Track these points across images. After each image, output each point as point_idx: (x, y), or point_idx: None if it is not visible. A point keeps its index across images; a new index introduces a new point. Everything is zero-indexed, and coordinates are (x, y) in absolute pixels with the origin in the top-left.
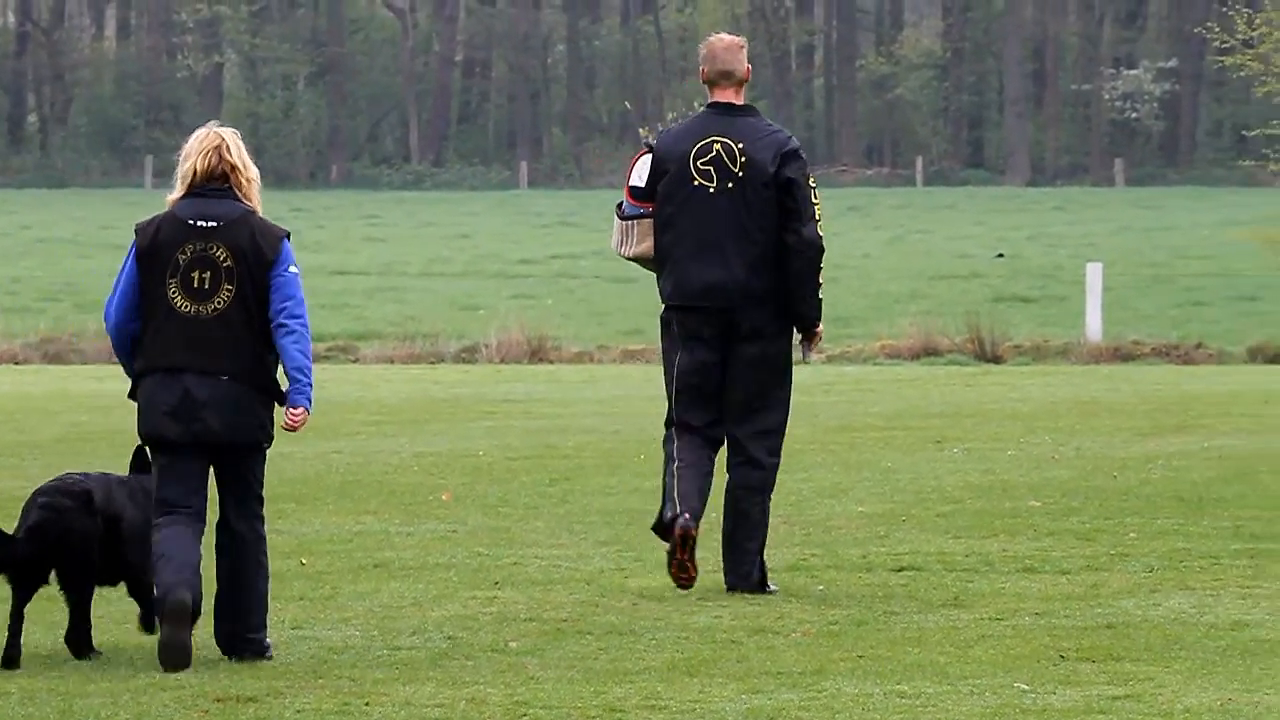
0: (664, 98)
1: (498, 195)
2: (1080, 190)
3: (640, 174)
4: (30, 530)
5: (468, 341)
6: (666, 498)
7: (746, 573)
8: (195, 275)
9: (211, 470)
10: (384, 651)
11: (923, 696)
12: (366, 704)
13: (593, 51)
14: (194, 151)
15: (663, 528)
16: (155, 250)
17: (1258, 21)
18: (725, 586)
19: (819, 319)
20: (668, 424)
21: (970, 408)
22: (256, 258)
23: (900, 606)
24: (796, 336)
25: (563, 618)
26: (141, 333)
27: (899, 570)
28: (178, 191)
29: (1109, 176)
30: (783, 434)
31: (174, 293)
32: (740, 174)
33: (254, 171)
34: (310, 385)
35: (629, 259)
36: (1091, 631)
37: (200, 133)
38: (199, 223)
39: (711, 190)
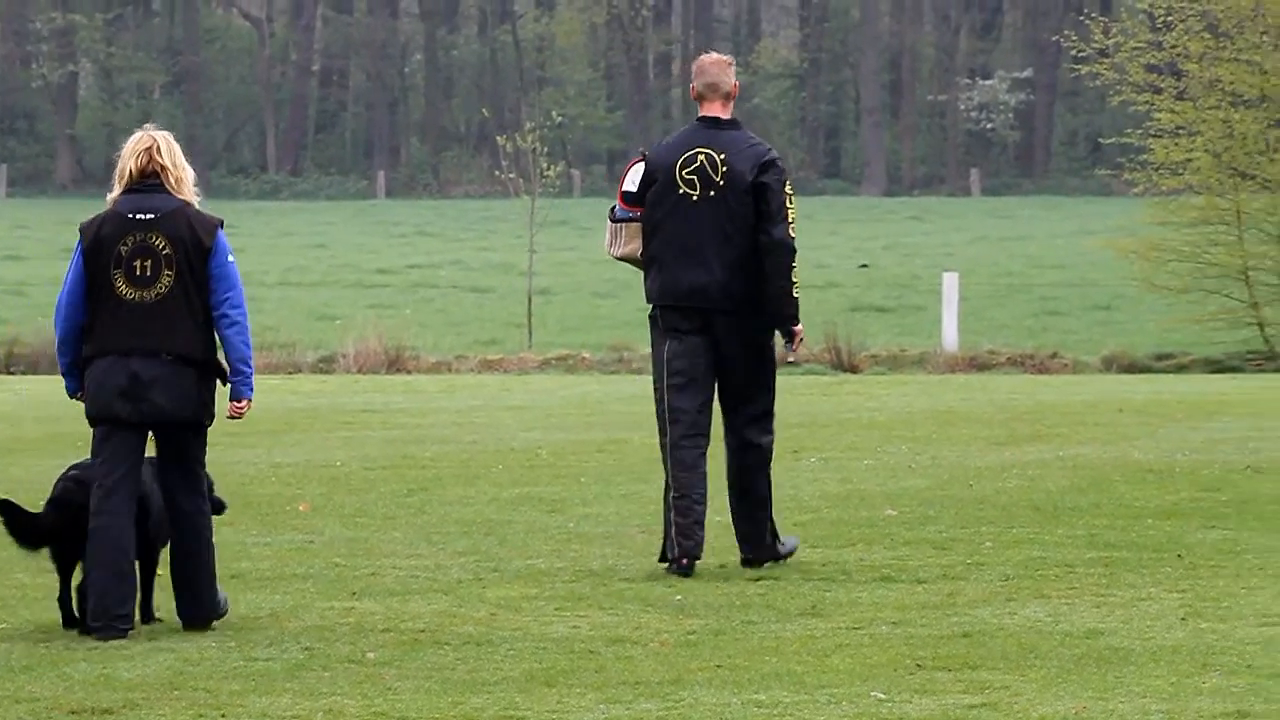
0: (522, 107)
1: (355, 205)
2: (936, 200)
3: (633, 180)
4: (52, 502)
5: (325, 351)
6: (667, 534)
7: (760, 540)
8: (137, 264)
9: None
10: (240, 663)
11: (780, 705)
12: (223, 715)
13: (450, 61)
14: (128, 153)
15: (666, 559)
16: (99, 244)
17: (1114, 30)
18: (740, 560)
19: (797, 317)
20: (661, 432)
21: (827, 417)
22: (195, 245)
23: (758, 616)
24: (779, 340)
25: (420, 628)
26: (89, 321)
27: (756, 580)
28: (116, 190)
29: (965, 186)
30: (773, 413)
31: (119, 282)
32: (721, 183)
33: (187, 171)
34: (251, 375)
35: (618, 258)
36: (948, 640)
37: (135, 136)
38: (137, 215)
39: (695, 198)
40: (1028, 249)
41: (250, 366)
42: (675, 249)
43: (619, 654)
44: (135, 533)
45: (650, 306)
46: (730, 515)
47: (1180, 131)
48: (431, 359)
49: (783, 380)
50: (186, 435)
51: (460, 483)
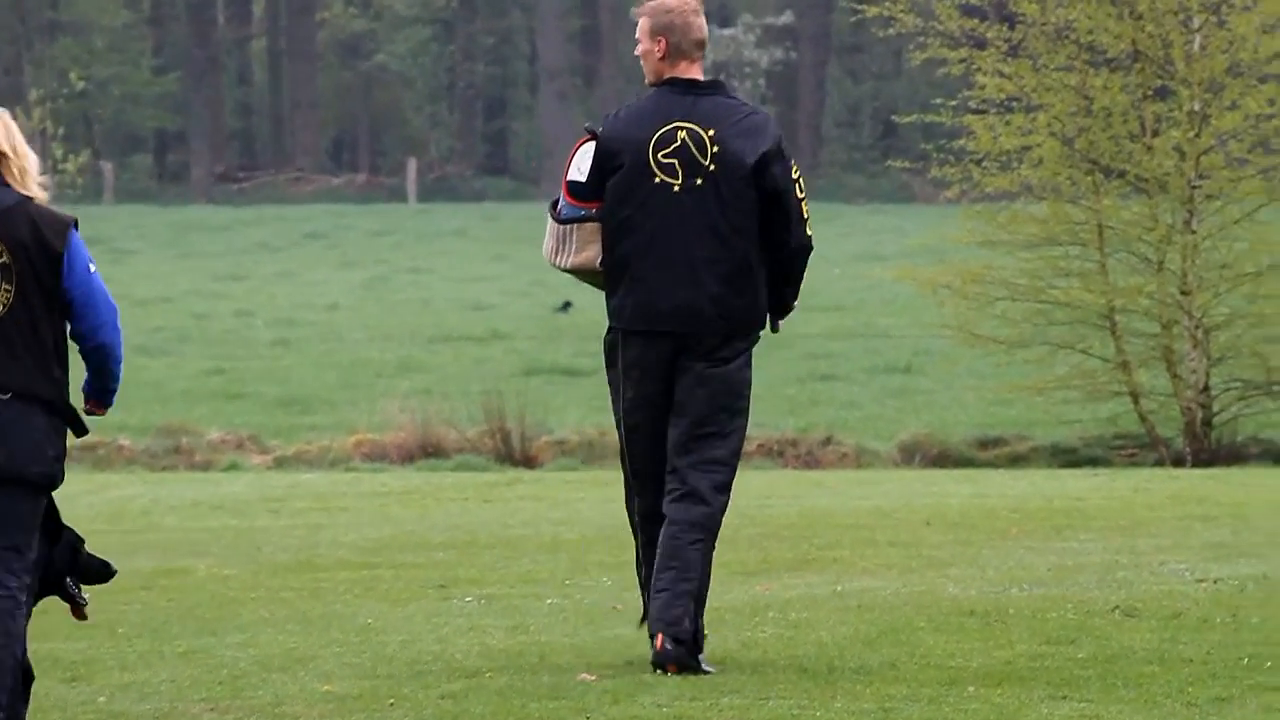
0: (24, 66)
1: None
2: None
3: (580, 166)
4: None
5: None
6: (645, 589)
7: (677, 618)
8: None
9: None
10: None
11: None
12: None
13: None
14: None
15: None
16: None
17: None
18: (651, 638)
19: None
20: (629, 492)
21: (491, 534)
22: (41, 251)
23: None
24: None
25: None
26: None
27: None
28: None
29: None
30: (734, 471)
31: None
32: (711, 168)
33: (31, 160)
34: (115, 394)
35: (566, 271)
36: None
37: None
38: None
39: (677, 188)
40: None
41: (118, 383)
42: (654, 257)
43: None
44: None
45: (608, 330)
46: (648, 592)
47: (1015, 105)
48: None
49: (423, 479)
50: (22, 497)
51: None
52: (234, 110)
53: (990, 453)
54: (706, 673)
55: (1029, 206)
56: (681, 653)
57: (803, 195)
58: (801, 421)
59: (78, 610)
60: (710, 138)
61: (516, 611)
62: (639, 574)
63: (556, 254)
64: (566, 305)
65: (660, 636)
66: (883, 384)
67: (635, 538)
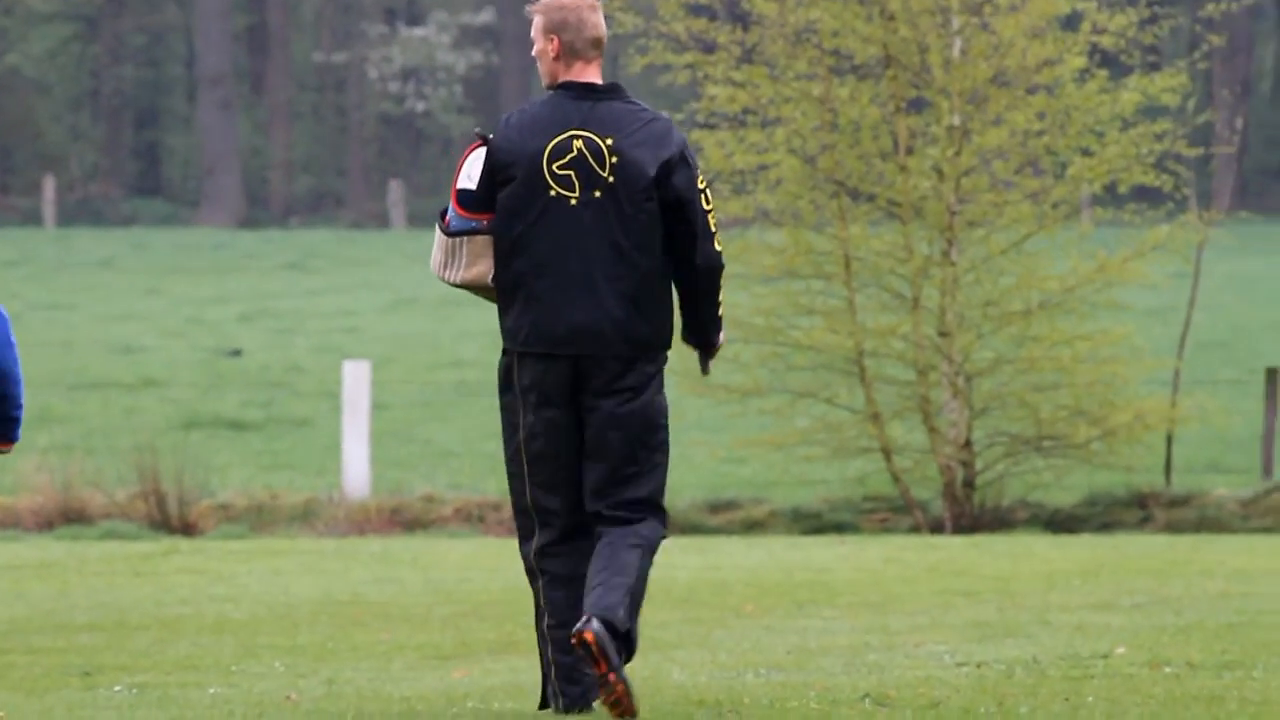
0: None
1: None
2: (333, 236)
3: (471, 174)
4: None
5: None
6: (546, 676)
7: (612, 605)
8: None
9: None
10: None
11: None
12: None
13: None
14: None
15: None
16: None
17: None
18: (583, 616)
19: (719, 335)
20: (524, 534)
21: (143, 613)
22: None
23: None
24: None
25: None
26: None
27: None
28: None
29: (378, 211)
30: (662, 507)
31: None
32: (610, 179)
33: None
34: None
35: (457, 286)
36: None
37: None
38: None
39: (574, 202)
40: (487, 320)
41: (19, 407)
42: (551, 274)
43: None
44: None
45: (502, 352)
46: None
47: (749, 119)
48: None
49: (64, 549)
50: None
51: None
52: None
53: (722, 518)
54: (624, 683)
55: (765, 234)
56: (605, 636)
57: (710, 207)
58: (505, 483)
59: None
60: (609, 147)
61: (174, 703)
62: (538, 630)
63: (445, 268)
64: (237, 352)
65: (590, 617)
66: None
67: (535, 590)
